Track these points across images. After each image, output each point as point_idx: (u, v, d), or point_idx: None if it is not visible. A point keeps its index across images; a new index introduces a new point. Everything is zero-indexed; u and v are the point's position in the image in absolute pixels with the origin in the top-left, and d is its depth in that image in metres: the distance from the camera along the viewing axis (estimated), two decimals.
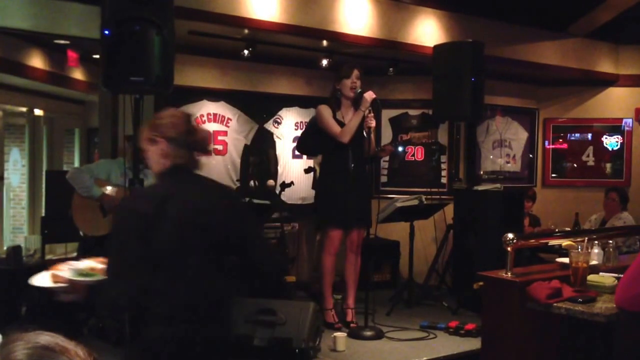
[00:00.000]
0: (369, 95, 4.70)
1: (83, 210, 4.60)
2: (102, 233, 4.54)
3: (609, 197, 6.31)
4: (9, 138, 9.17)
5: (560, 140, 7.74)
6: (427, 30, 6.04)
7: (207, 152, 2.34)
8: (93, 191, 4.58)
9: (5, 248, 6.53)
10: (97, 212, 4.63)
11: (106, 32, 3.55)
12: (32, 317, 4.69)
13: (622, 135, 7.57)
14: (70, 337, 1.03)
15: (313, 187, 6.17)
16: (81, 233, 4.89)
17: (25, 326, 1.02)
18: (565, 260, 3.46)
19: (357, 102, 4.81)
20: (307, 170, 6.01)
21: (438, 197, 5.91)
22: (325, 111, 4.85)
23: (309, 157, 6.38)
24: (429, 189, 6.06)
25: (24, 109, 8.72)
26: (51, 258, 5.88)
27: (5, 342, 0.98)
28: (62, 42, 6.16)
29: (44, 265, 4.99)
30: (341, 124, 4.81)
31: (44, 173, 8.20)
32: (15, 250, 5.01)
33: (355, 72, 4.81)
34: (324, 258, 4.88)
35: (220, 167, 6.21)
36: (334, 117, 4.84)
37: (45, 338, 0.98)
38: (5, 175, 8.69)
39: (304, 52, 5.97)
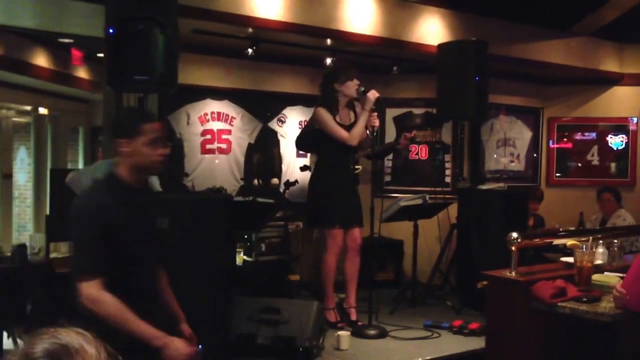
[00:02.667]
0: (373, 94, 4.68)
1: None
2: None
3: (604, 198, 6.32)
4: (14, 137, 9.19)
5: (565, 139, 7.71)
6: (431, 29, 6.03)
7: None
8: None
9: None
10: None
11: (110, 30, 3.56)
12: (37, 316, 4.70)
13: (627, 135, 7.55)
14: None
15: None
16: None
17: (62, 322, 1.01)
18: (570, 259, 3.45)
19: (358, 102, 4.81)
20: (302, 169, 5.99)
21: (442, 196, 5.91)
22: (327, 115, 4.79)
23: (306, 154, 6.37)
24: (432, 188, 6.05)
25: (28, 108, 8.74)
26: (56, 256, 5.88)
27: (36, 333, 0.97)
28: (66, 40, 6.17)
29: (48, 263, 5.03)
30: (341, 126, 4.79)
31: (48, 171, 8.20)
32: (20, 248, 5.02)
33: (356, 74, 4.82)
34: (327, 257, 4.85)
35: (224, 165, 6.22)
36: (334, 120, 4.80)
37: (71, 337, 0.96)
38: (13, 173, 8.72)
39: (308, 51, 5.96)
